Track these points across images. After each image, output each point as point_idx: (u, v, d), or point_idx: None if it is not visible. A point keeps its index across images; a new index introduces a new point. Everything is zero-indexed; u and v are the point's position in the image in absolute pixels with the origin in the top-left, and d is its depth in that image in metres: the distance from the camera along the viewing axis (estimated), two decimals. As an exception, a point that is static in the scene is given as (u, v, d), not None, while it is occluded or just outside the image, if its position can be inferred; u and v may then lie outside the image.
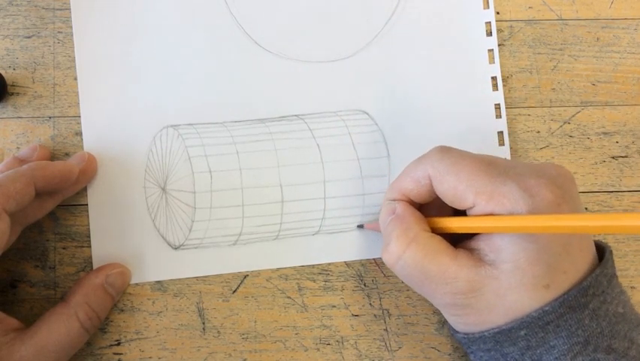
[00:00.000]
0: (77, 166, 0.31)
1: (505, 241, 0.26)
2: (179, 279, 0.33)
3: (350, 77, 0.35)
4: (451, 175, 0.27)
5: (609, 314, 0.25)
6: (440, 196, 0.28)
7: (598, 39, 0.37)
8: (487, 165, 0.27)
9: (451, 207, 0.28)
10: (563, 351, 0.25)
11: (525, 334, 0.26)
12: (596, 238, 0.35)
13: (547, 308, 0.25)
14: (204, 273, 0.33)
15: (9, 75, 0.34)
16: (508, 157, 0.35)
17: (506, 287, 0.25)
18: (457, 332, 0.29)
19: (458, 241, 0.28)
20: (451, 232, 0.28)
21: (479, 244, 0.27)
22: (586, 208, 0.35)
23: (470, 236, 0.28)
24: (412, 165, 0.29)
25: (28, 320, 0.29)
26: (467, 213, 0.27)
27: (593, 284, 0.25)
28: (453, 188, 0.27)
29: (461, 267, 0.26)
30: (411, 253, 0.27)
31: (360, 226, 0.34)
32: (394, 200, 0.30)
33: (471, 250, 0.27)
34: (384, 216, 0.30)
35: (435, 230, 0.28)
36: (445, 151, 0.28)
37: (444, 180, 0.27)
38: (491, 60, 0.36)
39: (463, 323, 0.28)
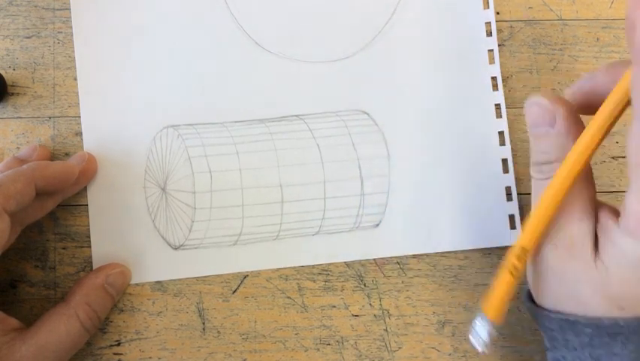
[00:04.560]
0: (77, 166, 0.31)
1: (619, 249, 0.24)
2: (179, 279, 0.33)
3: (350, 77, 0.35)
4: None
5: None
6: None
7: (598, 39, 0.37)
8: None
9: None
10: None
11: (590, 332, 0.25)
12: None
13: (621, 323, 0.24)
14: (204, 273, 0.33)
15: (9, 75, 0.34)
16: (509, 158, 0.35)
17: (588, 285, 0.25)
18: (529, 299, 0.28)
19: None
20: None
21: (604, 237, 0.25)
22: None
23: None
24: None
25: (28, 320, 0.29)
26: None
27: None
28: None
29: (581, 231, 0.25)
30: None
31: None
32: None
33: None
34: None
35: None
36: None
37: None
38: (491, 60, 0.36)
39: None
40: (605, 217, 0.25)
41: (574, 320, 0.25)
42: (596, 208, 0.26)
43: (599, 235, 0.25)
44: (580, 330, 0.25)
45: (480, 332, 0.25)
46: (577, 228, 0.25)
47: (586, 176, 0.26)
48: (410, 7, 0.36)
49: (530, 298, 0.28)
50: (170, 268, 0.33)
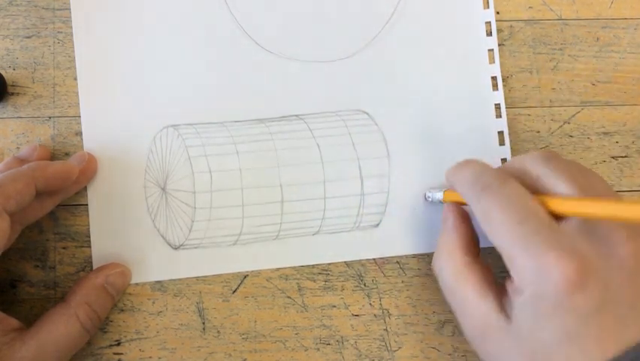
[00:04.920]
0: (77, 166, 0.31)
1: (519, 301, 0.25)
2: (179, 279, 0.33)
3: (350, 77, 0.35)
4: None
5: None
6: None
7: (598, 39, 0.37)
8: None
9: None
10: None
11: None
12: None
13: None
14: (204, 273, 0.33)
15: (9, 75, 0.34)
16: (509, 157, 0.35)
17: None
18: None
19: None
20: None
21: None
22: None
23: None
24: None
25: (28, 320, 0.29)
26: None
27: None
28: None
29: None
30: (446, 273, 0.29)
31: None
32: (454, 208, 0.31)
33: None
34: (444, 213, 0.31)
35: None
36: None
37: None
38: (491, 60, 0.36)
39: None
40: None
41: None
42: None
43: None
44: None
45: (434, 196, 0.34)
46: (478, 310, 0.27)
47: (477, 259, 0.29)
48: (410, 7, 0.36)
49: None
50: (170, 268, 0.33)
